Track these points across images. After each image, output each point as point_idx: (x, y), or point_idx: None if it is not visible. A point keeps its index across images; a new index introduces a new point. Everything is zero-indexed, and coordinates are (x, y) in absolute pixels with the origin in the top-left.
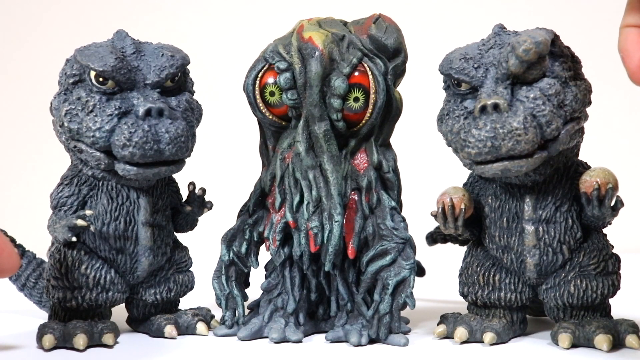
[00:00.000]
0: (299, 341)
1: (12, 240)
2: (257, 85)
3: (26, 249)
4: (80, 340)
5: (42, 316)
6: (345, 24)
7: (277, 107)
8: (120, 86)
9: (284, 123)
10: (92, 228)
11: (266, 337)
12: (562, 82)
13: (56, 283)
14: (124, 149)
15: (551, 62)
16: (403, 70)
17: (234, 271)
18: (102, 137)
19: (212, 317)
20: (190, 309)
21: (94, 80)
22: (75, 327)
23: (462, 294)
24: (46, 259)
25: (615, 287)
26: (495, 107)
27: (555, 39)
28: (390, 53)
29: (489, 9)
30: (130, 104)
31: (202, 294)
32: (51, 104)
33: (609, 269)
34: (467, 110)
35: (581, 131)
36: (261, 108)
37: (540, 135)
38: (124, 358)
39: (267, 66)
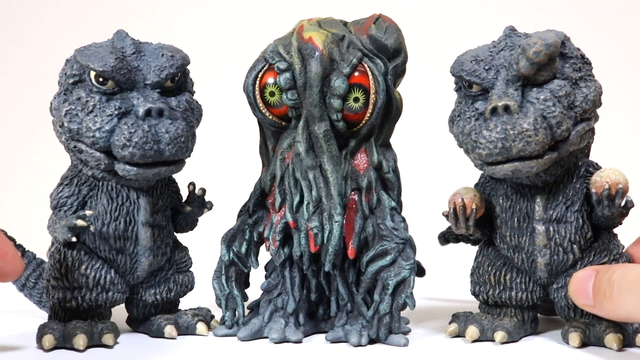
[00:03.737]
0: (299, 341)
1: (12, 240)
2: (257, 86)
3: (26, 249)
4: (80, 340)
5: (42, 316)
6: (345, 24)
7: (277, 107)
8: (120, 86)
9: (284, 123)
10: (92, 228)
11: (266, 338)
12: (573, 83)
13: (56, 283)
14: (124, 149)
15: (561, 64)
16: (403, 71)
17: (233, 271)
18: (102, 137)
19: (212, 317)
20: (190, 309)
21: (93, 81)
22: (75, 327)
23: (473, 293)
24: (46, 259)
25: None
26: (506, 108)
27: (565, 41)
28: (390, 53)
29: (489, 8)
30: (130, 104)
31: (202, 294)
32: (51, 104)
33: None
34: (478, 112)
35: (592, 132)
36: (261, 108)
37: (550, 136)
38: (124, 358)
39: (267, 66)
